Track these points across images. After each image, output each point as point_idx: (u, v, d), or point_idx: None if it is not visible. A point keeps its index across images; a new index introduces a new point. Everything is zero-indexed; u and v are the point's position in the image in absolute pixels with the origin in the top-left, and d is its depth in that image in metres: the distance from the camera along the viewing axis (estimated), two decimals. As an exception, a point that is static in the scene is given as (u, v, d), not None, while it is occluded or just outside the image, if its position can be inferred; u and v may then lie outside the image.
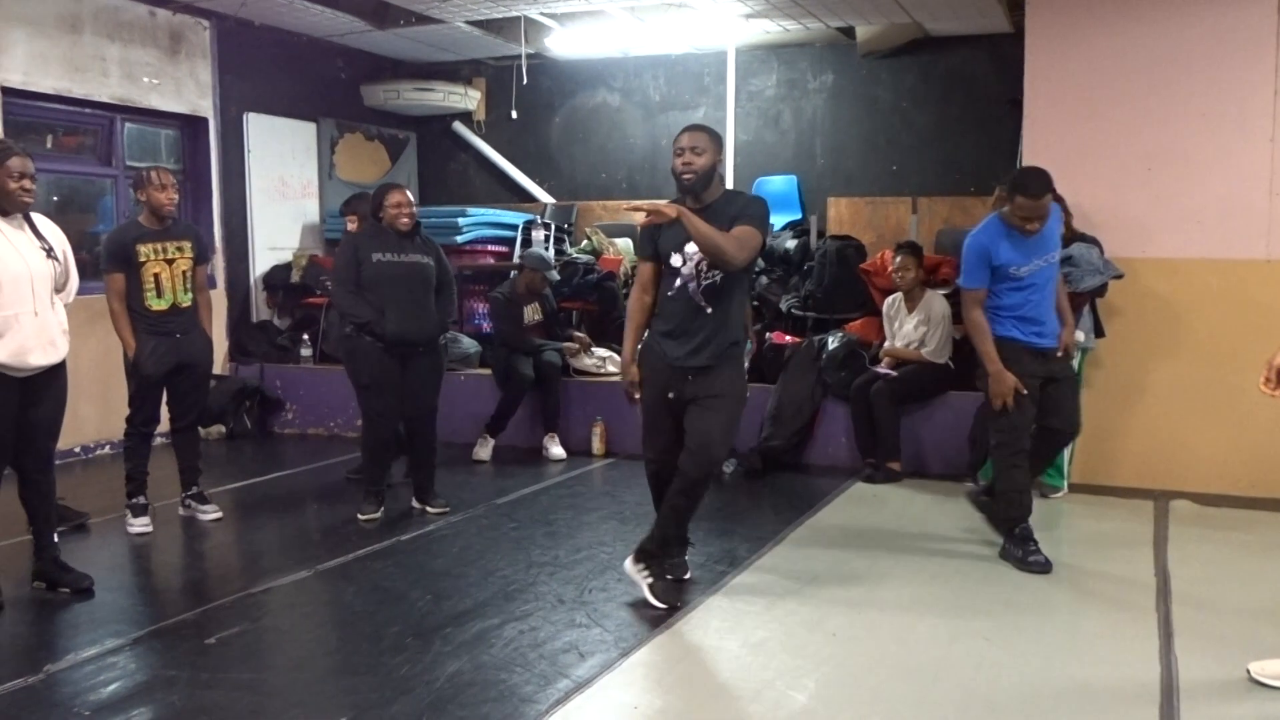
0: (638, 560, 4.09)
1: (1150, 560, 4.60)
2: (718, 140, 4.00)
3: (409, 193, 5.31)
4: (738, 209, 3.92)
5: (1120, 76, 5.78)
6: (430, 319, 5.27)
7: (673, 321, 4.01)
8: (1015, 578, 4.37)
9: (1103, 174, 5.80)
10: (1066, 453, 5.65)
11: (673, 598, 4.02)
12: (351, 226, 6.14)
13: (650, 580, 4.04)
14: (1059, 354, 4.59)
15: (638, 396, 4.14)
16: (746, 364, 6.58)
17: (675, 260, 3.98)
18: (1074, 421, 4.79)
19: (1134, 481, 5.81)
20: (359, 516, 5.30)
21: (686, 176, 3.88)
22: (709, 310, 3.94)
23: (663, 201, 4.03)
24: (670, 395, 4.01)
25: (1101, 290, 5.49)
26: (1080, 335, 5.46)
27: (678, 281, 3.98)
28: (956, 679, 3.35)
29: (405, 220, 5.19)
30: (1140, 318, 5.79)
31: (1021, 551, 4.49)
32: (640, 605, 4.01)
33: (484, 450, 6.78)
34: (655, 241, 4.06)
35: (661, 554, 4.12)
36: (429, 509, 5.44)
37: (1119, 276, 5.49)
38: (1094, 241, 5.49)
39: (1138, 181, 5.76)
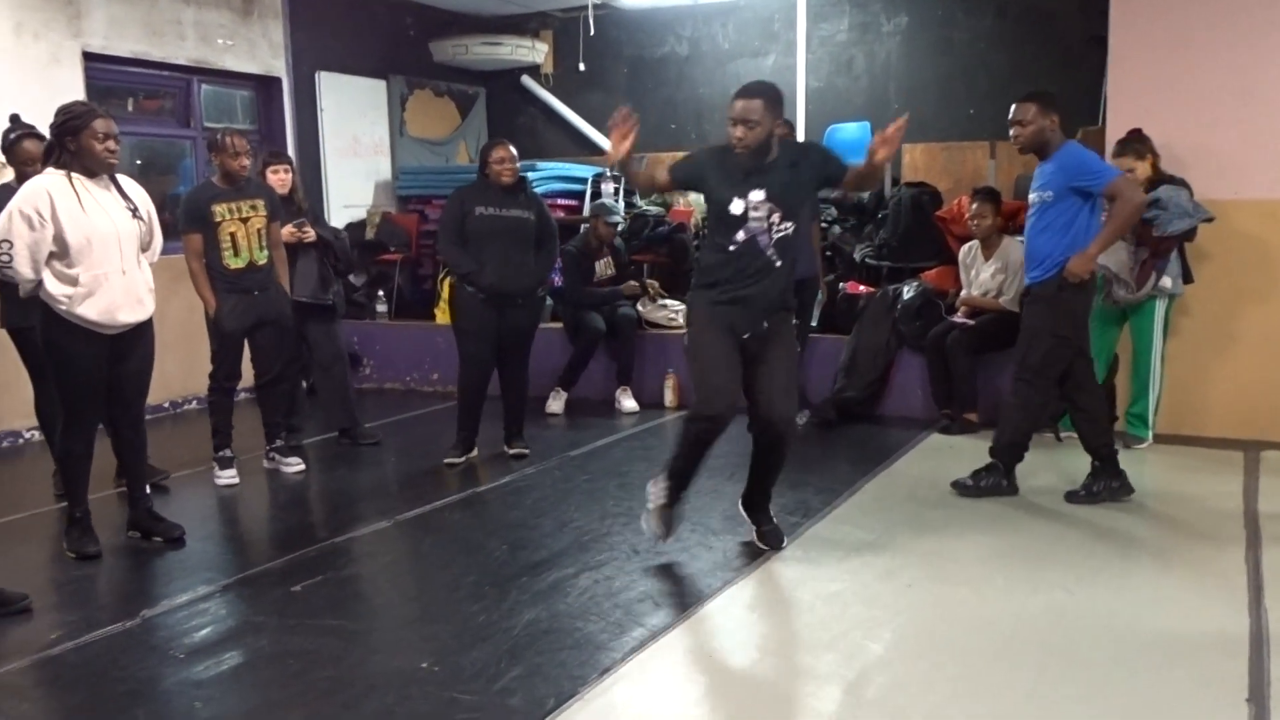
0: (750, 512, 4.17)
1: (1240, 512, 4.47)
2: (774, 103, 3.73)
3: (512, 148, 5.39)
4: (801, 157, 3.84)
5: (1211, 8, 5.51)
6: (528, 272, 5.40)
7: (739, 276, 3.77)
8: (1096, 529, 4.29)
9: (1193, 111, 5.56)
10: (1152, 402, 5.51)
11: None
12: None
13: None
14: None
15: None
16: (817, 314, 6.60)
17: (736, 207, 3.74)
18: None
19: (1223, 432, 5.63)
20: (444, 461, 5.47)
21: (740, 150, 3.72)
22: (778, 264, 3.80)
23: None
24: (745, 336, 3.81)
25: (1190, 234, 5.28)
26: (1167, 281, 5.30)
27: (740, 234, 3.76)
28: (1035, 631, 3.30)
29: (508, 175, 5.32)
30: (1231, 262, 5.57)
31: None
32: (714, 555, 4.03)
33: (556, 403, 6.84)
34: (698, 174, 3.88)
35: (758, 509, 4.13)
36: (509, 449, 5.62)
37: (1209, 220, 5.27)
38: (1182, 183, 5.28)
39: (1230, 118, 5.52)
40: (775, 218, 3.75)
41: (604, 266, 6.98)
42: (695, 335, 3.88)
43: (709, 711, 2.88)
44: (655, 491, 3.99)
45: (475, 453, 5.59)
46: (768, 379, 3.84)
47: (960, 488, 4.77)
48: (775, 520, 4.18)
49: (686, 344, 3.95)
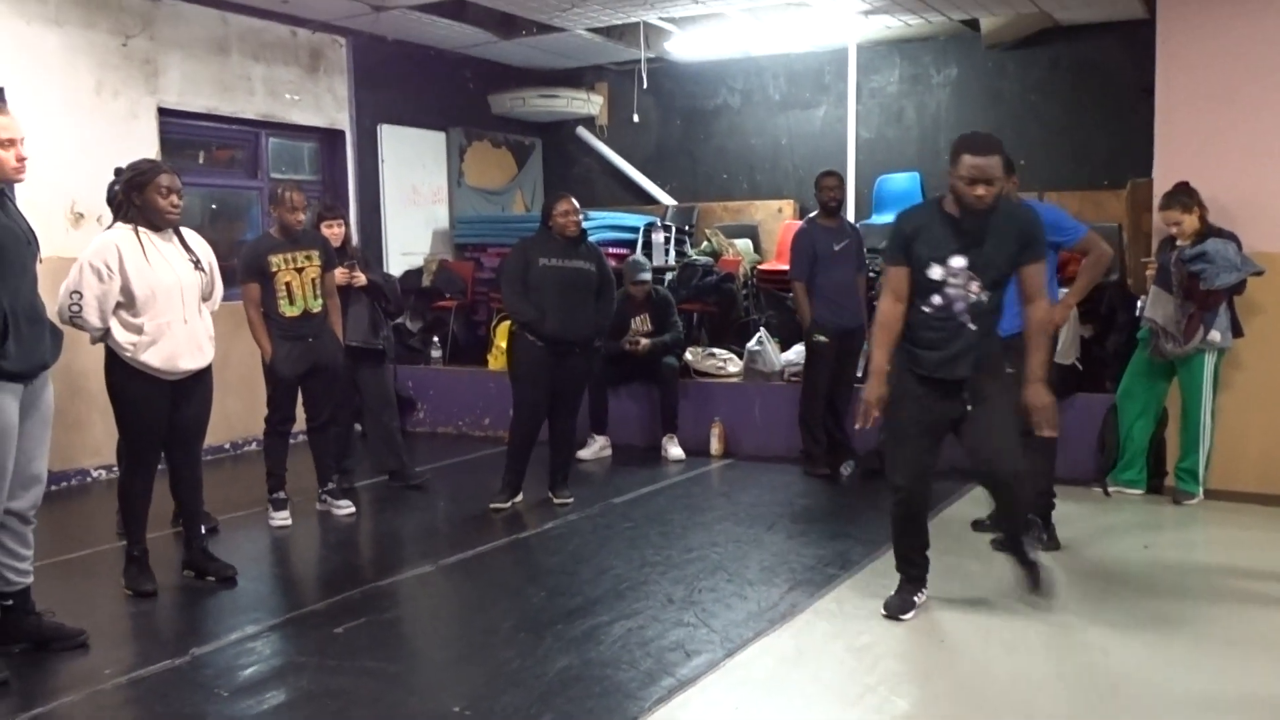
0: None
1: (1289, 571, 4.39)
2: (1005, 157, 3.66)
3: (575, 201, 5.59)
4: (1023, 234, 3.69)
5: (1259, 61, 5.49)
6: (587, 321, 5.55)
7: (932, 337, 3.75)
8: (1140, 586, 4.24)
9: (1241, 165, 5.53)
10: (1202, 457, 5.43)
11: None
12: None
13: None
14: None
15: (876, 415, 3.79)
16: (863, 364, 6.59)
17: (935, 273, 3.70)
18: None
19: (1276, 488, 5.52)
20: (490, 505, 5.59)
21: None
22: (973, 327, 3.72)
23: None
24: (934, 412, 3.80)
25: (1240, 288, 5.24)
26: (1216, 335, 5.25)
27: (937, 299, 3.72)
28: (1068, 690, 3.28)
29: (574, 228, 5.51)
30: (1284, 316, 5.50)
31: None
32: (749, 605, 4.06)
33: (588, 450, 6.91)
34: (910, 245, 3.73)
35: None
36: (555, 498, 5.70)
37: (1259, 273, 5.23)
38: (1231, 236, 5.24)
39: (1278, 172, 5.47)
40: (974, 286, 3.69)
41: (639, 323, 6.99)
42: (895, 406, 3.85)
43: (732, 763, 2.91)
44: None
45: (520, 498, 5.70)
46: (975, 435, 3.80)
47: (996, 544, 4.74)
48: (1035, 560, 4.04)
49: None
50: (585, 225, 8.31)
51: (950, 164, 3.65)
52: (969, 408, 3.78)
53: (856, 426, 3.92)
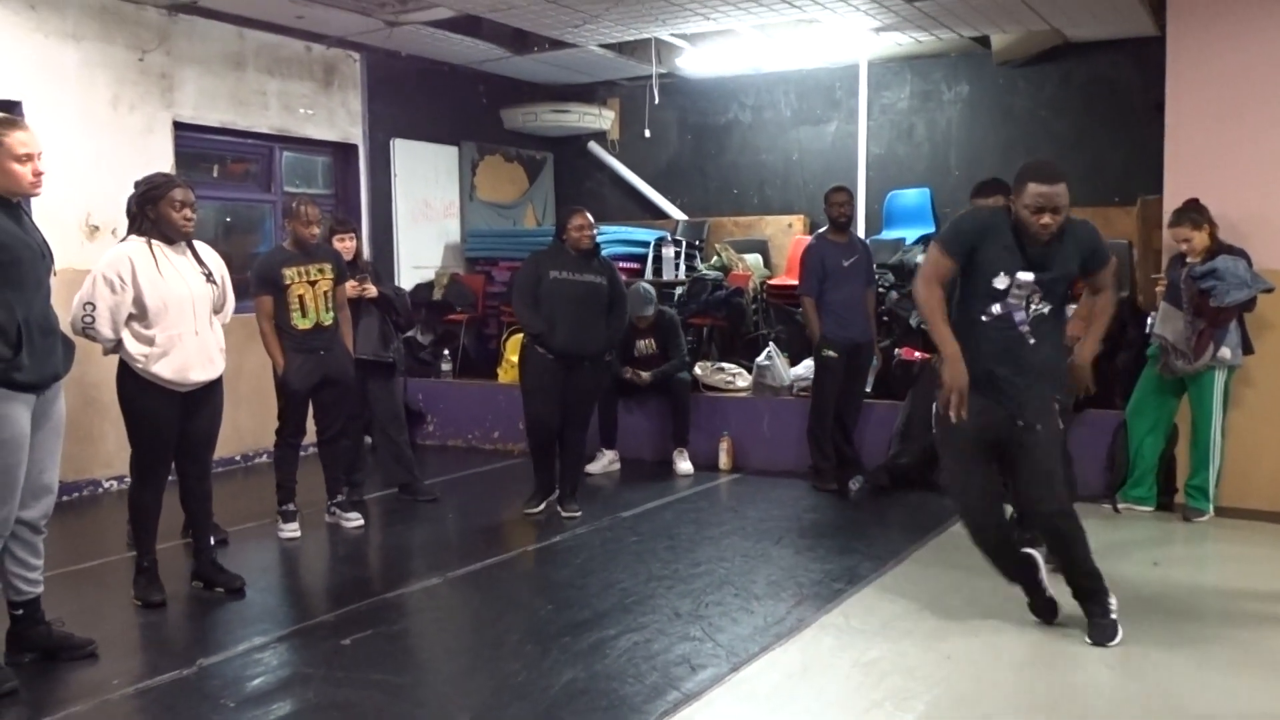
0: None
1: (1299, 590, 4.36)
2: (1067, 182, 3.61)
3: (589, 215, 5.65)
4: (1084, 248, 3.69)
5: (1268, 78, 5.49)
6: (596, 335, 5.58)
7: (993, 350, 3.70)
8: (1147, 603, 4.22)
9: (1251, 182, 5.52)
10: (1212, 475, 5.40)
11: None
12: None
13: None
14: None
15: (961, 404, 3.66)
16: (872, 379, 6.61)
17: (1001, 282, 3.67)
18: None
19: (1288, 506, 5.50)
20: (524, 510, 5.74)
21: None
22: (1032, 341, 3.70)
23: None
24: (990, 435, 3.74)
25: (1250, 304, 5.22)
26: (1226, 351, 5.23)
27: (997, 308, 3.68)
28: (1072, 706, 3.28)
29: (587, 241, 5.57)
30: (1295, 333, 5.48)
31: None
32: (755, 620, 4.06)
33: (597, 465, 6.91)
34: (975, 247, 3.67)
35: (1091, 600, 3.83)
36: (563, 512, 5.72)
37: (1269, 290, 5.21)
38: (1241, 253, 5.23)
39: (1290, 189, 5.47)
40: (1035, 297, 3.68)
41: (646, 345, 6.97)
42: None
43: (736, 777, 2.91)
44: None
45: (555, 495, 5.82)
46: (1026, 467, 3.75)
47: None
48: (1110, 613, 3.80)
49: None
50: (597, 239, 8.39)
51: (1014, 191, 3.62)
52: (1020, 426, 3.72)
53: (952, 416, 3.66)
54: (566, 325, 5.49)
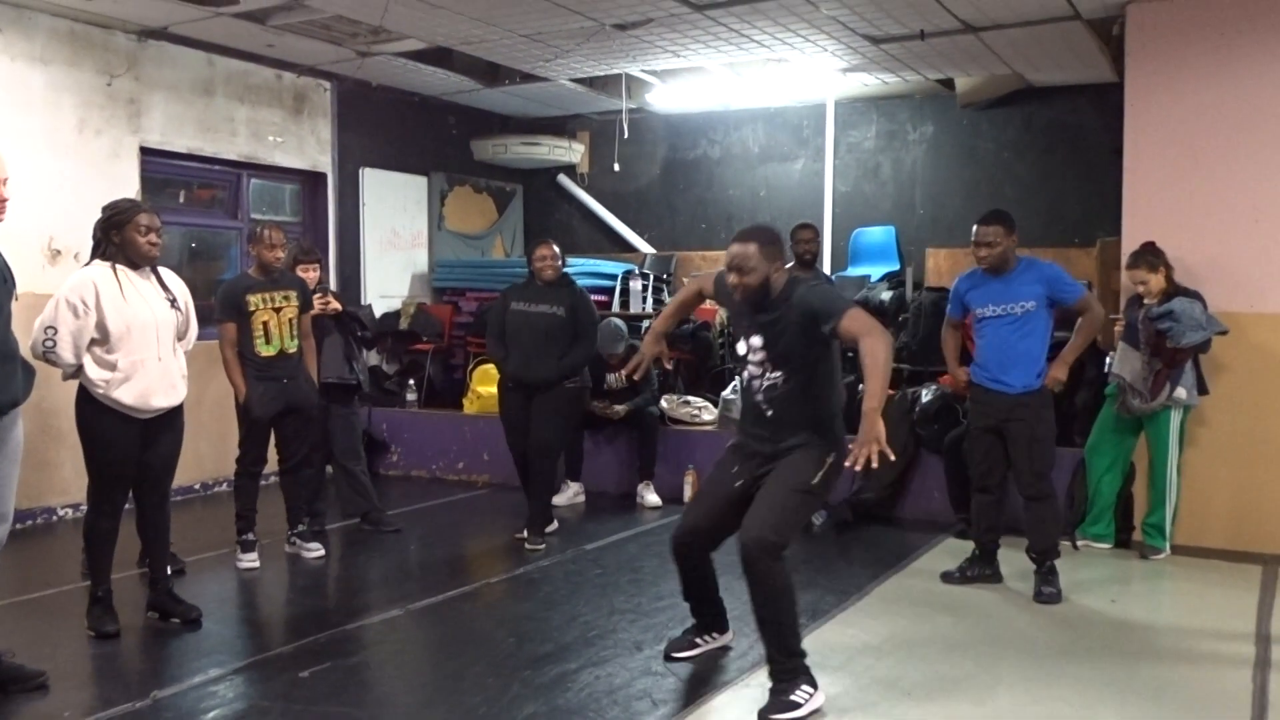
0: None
1: (1252, 631, 4.42)
2: (769, 245, 3.53)
3: (555, 246, 5.83)
4: (805, 310, 3.47)
5: (1224, 126, 5.64)
6: (549, 363, 5.70)
7: (745, 411, 3.75)
8: (1106, 640, 4.26)
9: (1207, 226, 5.65)
10: (1169, 513, 5.48)
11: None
12: None
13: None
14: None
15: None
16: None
17: (740, 347, 3.68)
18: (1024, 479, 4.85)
19: (1241, 545, 5.57)
20: (515, 535, 5.86)
21: (738, 297, 3.57)
22: (769, 413, 3.61)
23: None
24: (737, 483, 3.70)
25: (1205, 346, 5.32)
26: (1182, 392, 5.32)
27: (745, 371, 3.68)
28: (1031, 743, 3.29)
29: (549, 272, 5.74)
30: (1249, 374, 5.59)
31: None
32: (716, 657, 4.05)
33: (562, 496, 6.87)
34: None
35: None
36: (526, 542, 5.72)
37: (1223, 332, 5.32)
38: (1196, 296, 5.34)
39: (1244, 234, 5.60)
40: (768, 366, 3.59)
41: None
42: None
43: (696, 814, 2.90)
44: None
45: (555, 526, 6.04)
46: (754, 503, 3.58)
47: (946, 577, 5.06)
48: (785, 688, 3.46)
49: None
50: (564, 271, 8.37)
51: None
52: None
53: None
54: (519, 353, 5.73)
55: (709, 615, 4.07)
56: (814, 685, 3.50)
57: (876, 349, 3.28)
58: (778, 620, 3.48)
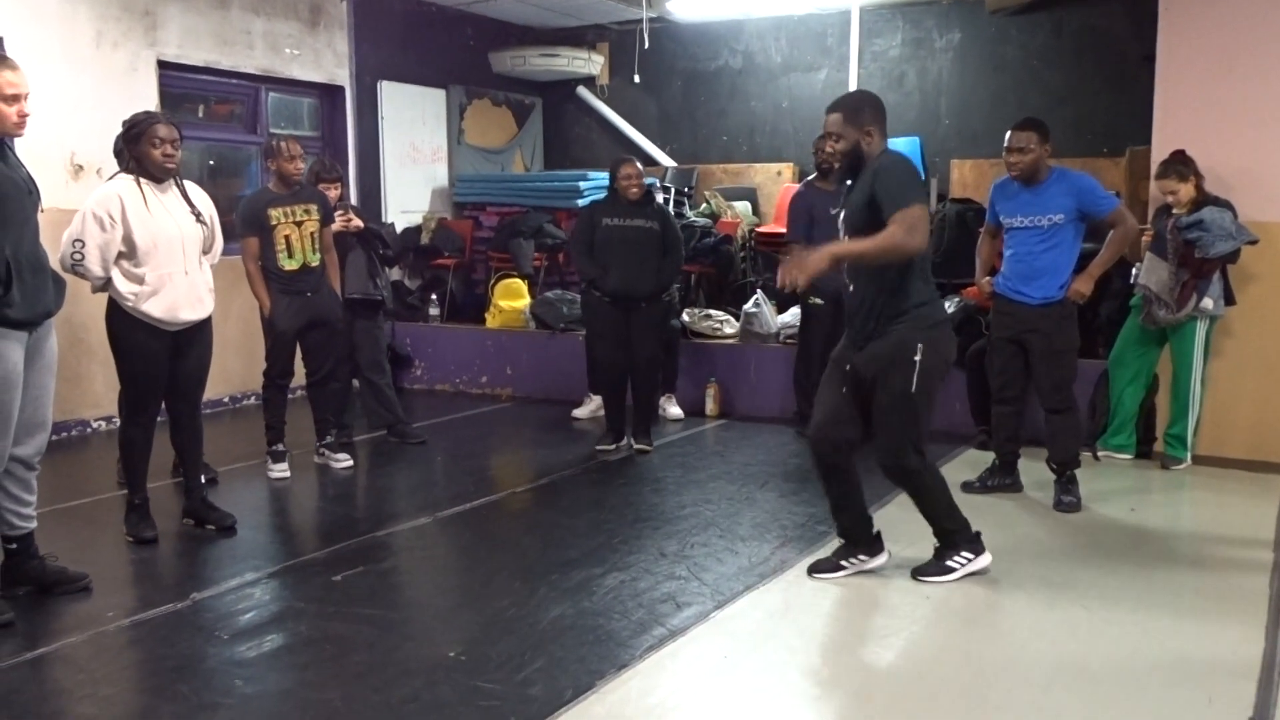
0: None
1: (1271, 535, 4.46)
2: (855, 112, 3.67)
3: (639, 165, 5.88)
4: (874, 186, 3.56)
5: (1258, 31, 5.48)
6: (649, 277, 5.81)
7: (843, 290, 3.86)
8: (1125, 548, 4.31)
9: (1239, 134, 5.53)
10: (1191, 424, 5.49)
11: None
12: None
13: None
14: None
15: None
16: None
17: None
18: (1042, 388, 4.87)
19: (1263, 455, 5.59)
20: (597, 448, 5.97)
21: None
22: (850, 288, 3.79)
23: (806, 258, 3.56)
24: (846, 366, 3.81)
25: (1234, 256, 5.27)
26: (1209, 302, 5.28)
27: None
28: (1047, 645, 3.36)
29: (635, 190, 5.80)
30: (1276, 284, 5.53)
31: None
32: (739, 560, 4.13)
33: (584, 409, 6.99)
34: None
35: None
36: (635, 445, 6.00)
37: (1253, 242, 5.26)
38: (1227, 205, 5.27)
39: (1278, 143, 5.49)
40: (845, 232, 3.76)
41: None
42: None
43: (717, 709, 2.99)
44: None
45: (625, 441, 6.03)
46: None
47: (966, 486, 5.05)
48: (942, 553, 3.94)
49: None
50: (584, 185, 8.38)
51: None
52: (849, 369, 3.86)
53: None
54: (619, 269, 5.75)
55: (856, 533, 4.00)
56: (975, 552, 3.92)
57: (891, 231, 3.49)
58: (929, 509, 3.93)
